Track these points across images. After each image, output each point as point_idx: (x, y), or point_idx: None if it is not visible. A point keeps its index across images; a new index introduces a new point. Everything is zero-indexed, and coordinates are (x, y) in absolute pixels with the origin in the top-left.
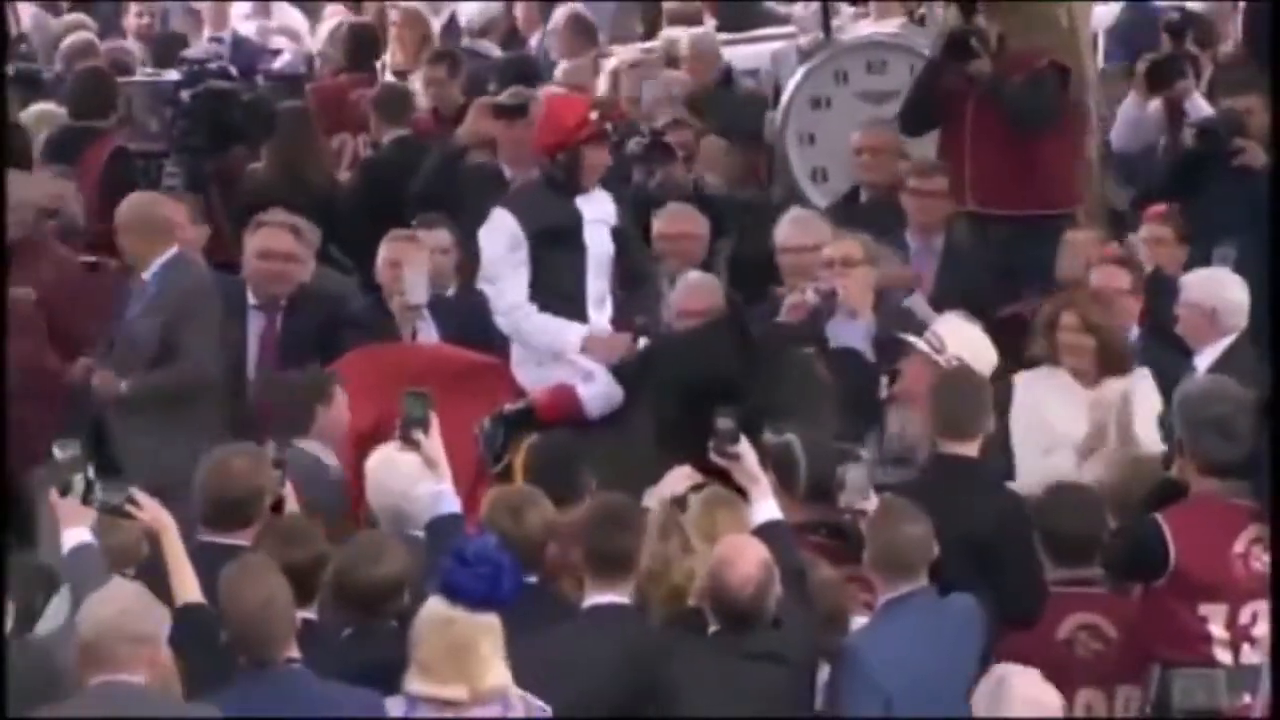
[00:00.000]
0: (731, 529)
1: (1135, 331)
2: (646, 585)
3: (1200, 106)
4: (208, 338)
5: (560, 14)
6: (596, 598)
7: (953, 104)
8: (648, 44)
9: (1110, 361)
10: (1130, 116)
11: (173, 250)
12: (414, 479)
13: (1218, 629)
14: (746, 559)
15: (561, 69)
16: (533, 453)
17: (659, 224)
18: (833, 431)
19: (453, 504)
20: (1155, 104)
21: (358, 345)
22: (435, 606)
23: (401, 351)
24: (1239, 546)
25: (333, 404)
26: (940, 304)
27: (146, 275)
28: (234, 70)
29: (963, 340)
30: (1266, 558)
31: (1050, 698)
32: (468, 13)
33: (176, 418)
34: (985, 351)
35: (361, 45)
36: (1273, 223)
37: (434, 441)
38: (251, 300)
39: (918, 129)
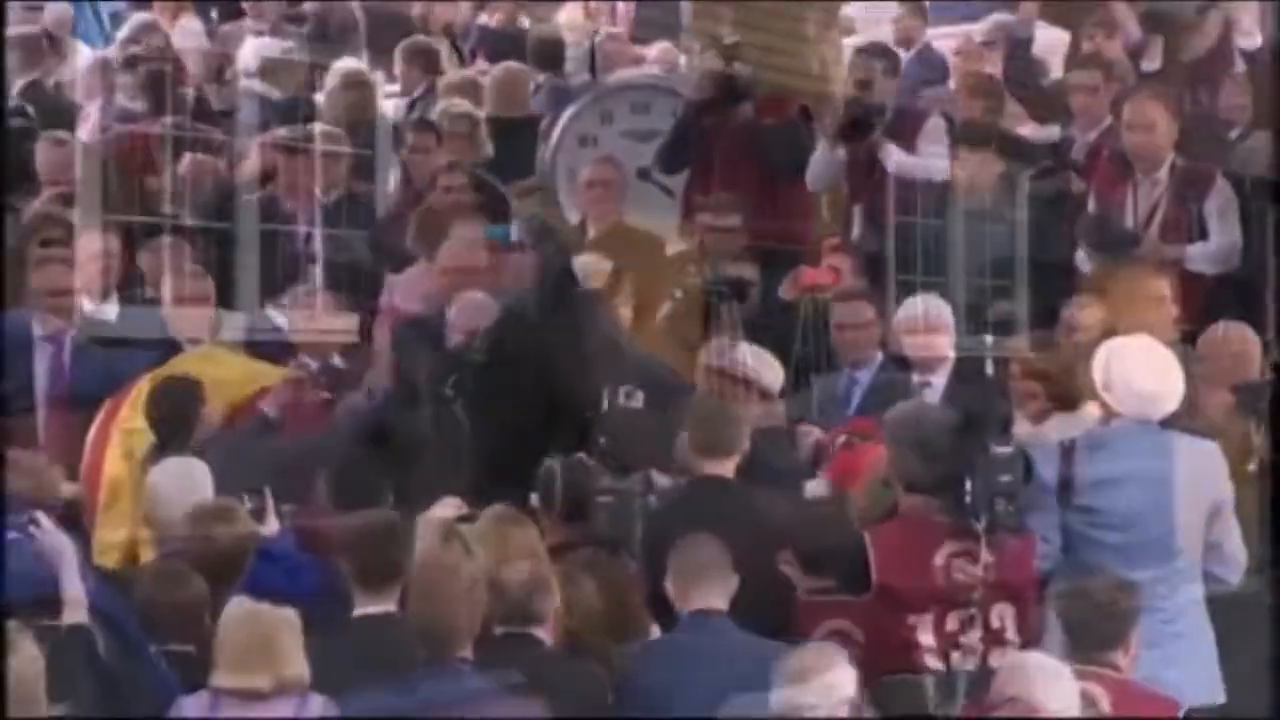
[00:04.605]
0: (523, 545)
1: (879, 359)
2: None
3: (893, 156)
4: None
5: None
6: (367, 608)
7: (706, 143)
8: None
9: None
10: (824, 159)
11: None
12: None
13: (925, 637)
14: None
15: None
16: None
17: None
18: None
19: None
20: (840, 151)
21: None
22: (238, 603)
23: None
24: (939, 559)
25: None
26: None
27: None
28: None
29: (760, 363)
30: (970, 568)
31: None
32: None
33: None
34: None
35: None
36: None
37: None
38: (39, 331)
39: (673, 167)
